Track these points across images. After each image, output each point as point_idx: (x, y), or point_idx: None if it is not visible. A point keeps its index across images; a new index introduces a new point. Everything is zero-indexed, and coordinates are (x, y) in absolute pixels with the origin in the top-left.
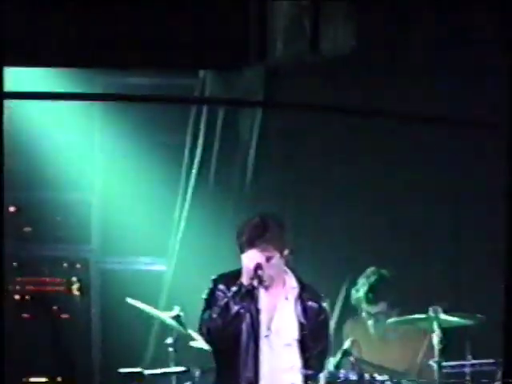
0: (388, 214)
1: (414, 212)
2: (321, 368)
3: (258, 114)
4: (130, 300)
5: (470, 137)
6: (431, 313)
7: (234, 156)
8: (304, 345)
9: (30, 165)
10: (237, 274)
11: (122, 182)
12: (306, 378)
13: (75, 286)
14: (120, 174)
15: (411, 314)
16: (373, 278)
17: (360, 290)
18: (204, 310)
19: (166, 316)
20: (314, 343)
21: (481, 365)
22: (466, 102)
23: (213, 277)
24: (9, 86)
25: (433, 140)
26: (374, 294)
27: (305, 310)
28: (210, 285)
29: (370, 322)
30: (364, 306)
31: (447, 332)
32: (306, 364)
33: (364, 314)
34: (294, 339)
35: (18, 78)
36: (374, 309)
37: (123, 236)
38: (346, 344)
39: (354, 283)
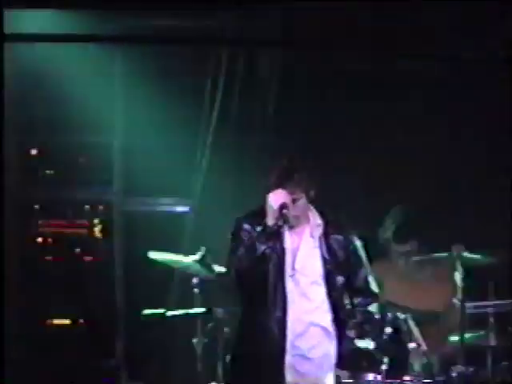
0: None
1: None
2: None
3: (279, 54)
4: (152, 254)
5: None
6: (454, 251)
7: (255, 97)
8: (330, 280)
9: (53, 109)
10: (261, 212)
11: (143, 125)
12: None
13: (98, 228)
14: (141, 116)
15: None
16: (400, 216)
17: (388, 230)
18: (230, 251)
19: (191, 261)
20: (343, 277)
21: (503, 305)
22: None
23: (238, 216)
24: (23, 30)
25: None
26: (403, 232)
27: (330, 245)
28: (235, 224)
29: (401, 262)
30: (393, 245)
31: (470, 271)
32: (337, 300)
33: (394, 255)
34: (320, 276)
35: (32, 21)
36: (403, 247)
37: (145, 178)
38: None
39: (379, 223)
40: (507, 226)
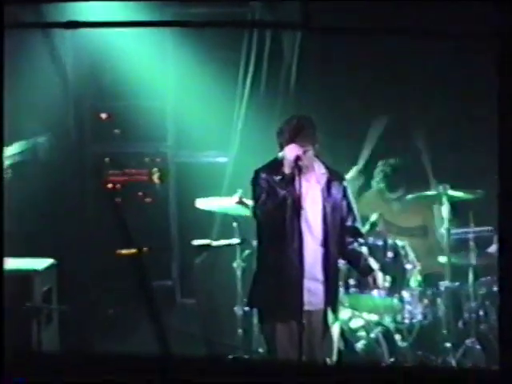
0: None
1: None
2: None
3: (298, 36)
4: (198, 203)
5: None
6: (441, 189)
7: (280, 70)
8: (330, 219)
9: (119, 79)
10: (273, 164)
11: (191, 91)
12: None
13: (156, 176)
14: (189, 84)
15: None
16: (388, 170)
17: (380, 183)
18: (254, 198)
19: (231, 202)
20: (340, 216)
21: (481, 231)
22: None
23: (255, 168)
24: (85, 18)
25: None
26: (393, 182)
27: (331, 190)
28: (254, 175)
29: (394, 203)
30: (387, 193)
31: (454, 205)
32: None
33: (388, 199)
34: (322, 215)
35: (98, 11)
36: (395, 194)
37: (193, 134)
38: (374, 217)
39: (371, 176)
40: (485, 166)
